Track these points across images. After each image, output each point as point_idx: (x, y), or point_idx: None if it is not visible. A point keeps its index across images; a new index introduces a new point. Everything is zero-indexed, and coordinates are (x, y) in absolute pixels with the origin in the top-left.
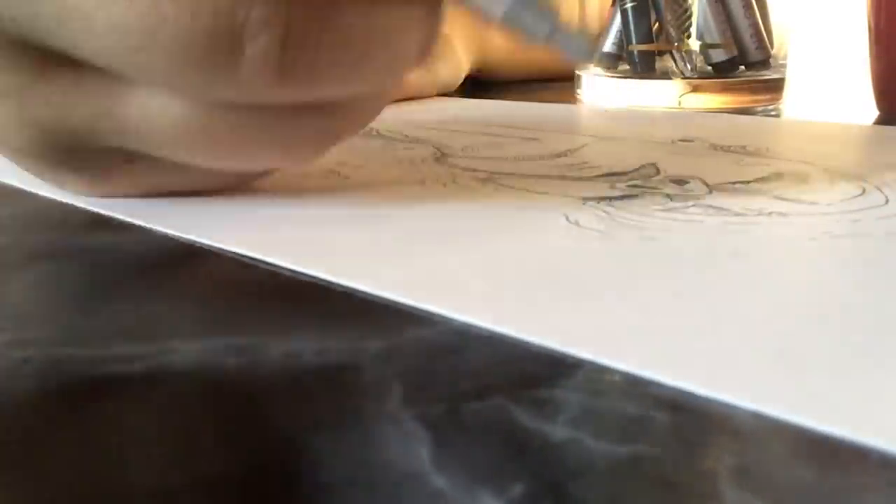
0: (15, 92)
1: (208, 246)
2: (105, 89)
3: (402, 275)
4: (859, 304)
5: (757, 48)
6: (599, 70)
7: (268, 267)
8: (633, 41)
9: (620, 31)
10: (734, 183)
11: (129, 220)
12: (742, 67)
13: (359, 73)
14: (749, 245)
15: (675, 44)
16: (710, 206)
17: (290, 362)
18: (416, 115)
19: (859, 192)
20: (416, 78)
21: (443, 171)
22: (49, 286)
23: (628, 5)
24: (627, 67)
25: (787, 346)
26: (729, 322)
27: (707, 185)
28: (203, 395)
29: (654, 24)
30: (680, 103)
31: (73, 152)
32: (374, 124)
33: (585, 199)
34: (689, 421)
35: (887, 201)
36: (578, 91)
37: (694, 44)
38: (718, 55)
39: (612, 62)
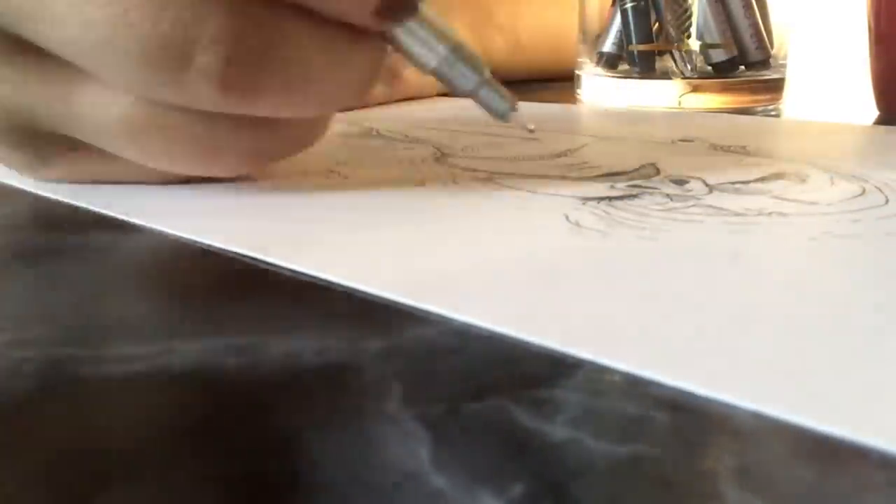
0: None
1: (208, 246)
2: (63, 79)
3: (402, 275)
4: (859, 304)
5: (757, 48)
6: (599, 70)
7: (268, 267)
8: (633, 41)
9: (620, 31)
10: (734, 183)
11: (129, 220)
12: (742, 67)
13: (297, 98)
14: (749, 245)
15: (675, 44)
16: (710, 206)
17: (290, 362)
18: (416, 115)
19: (859, 192)
20: (416, 78)
21: (443, 171)
22: (49, 286)
23: (628, 5)
24: (627, 67)
25: (787, 346)
26: (729, 322)
27: (707, 185)
28: (203, 395)
29: (654, 24)
30: (680, 103)
31: (21, 131)
32: (375, 124)
33: (585, 199)
34: (689, 421)
35: (887, 201)
36: (578, 91)
37: (694, 44)
38: (718, 55)
39: (612, 62)
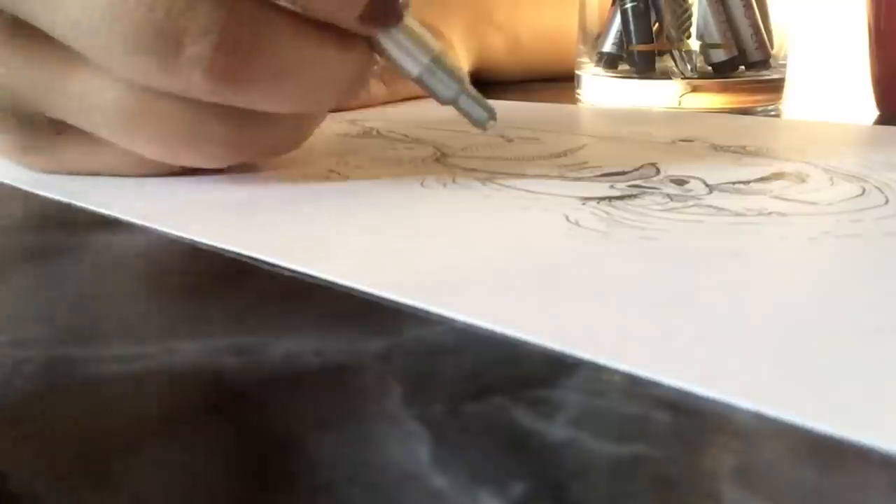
0: None
1: (208, 246)
2: (59, 62)
3: (403, 275)
4: (859, 304)
5: (757, 48)
6: (599, 70)
7: (268, 267)
8: (633, 41)
9: (620, 31)
10: (734, 183)
11: (129, 219)
12: (742, 67)
13: (282, 92)
14: (749, 245)
15: (675, 44)
16: (710, 206)
17: (290, 362)
18: (416, 115)
19: (859, 192)
20: None
21: (443, 171)
22: (49, 286)
23: (628, 5)
24: (627, 67)
25: (787, 346)
26: (729, 322)
27: (707, 185)
28: (203, 395)
29: (654, 24)
30: (680, 103)
31: (10, 112)
32: (375, 124)
33: (585, 199)
34: (689, 421)
35: (887, 201)
36: (578, 91)
37: (694, 44)
38: (718, 55)
39: (612, 62)
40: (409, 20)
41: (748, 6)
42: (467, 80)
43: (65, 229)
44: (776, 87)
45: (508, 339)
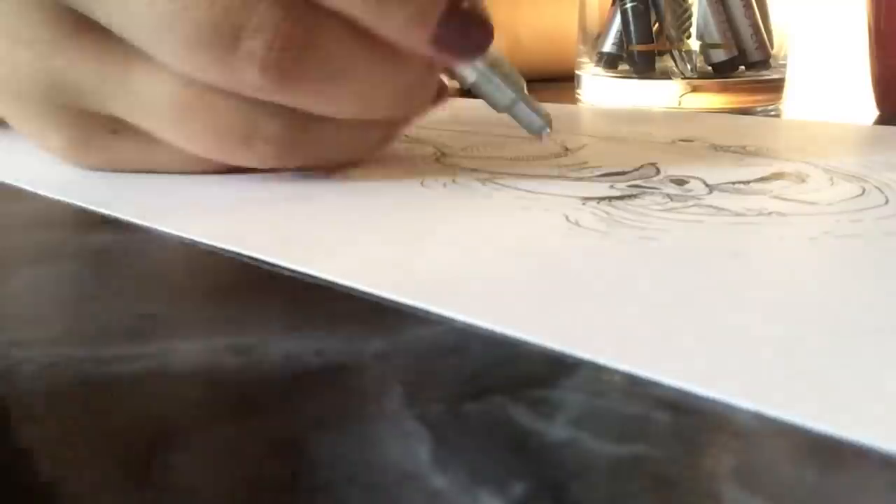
0: (41, 43)
1: (208, 246)
2: (120, 57)
3: (402, 275)
4: (859, 304)
5: (757, 48)
6: (599, 70)
7: (268, 267)
8: (633, 41)
9: (620, 31)
10: (734, 183)
11: (129, 219)
12: (742, 67)
13: (335, 94)
14: (749, 245)
15: (675, 44)
16: (710, 206)
17: (290, 362)
18: None
19: (859, 192)
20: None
21: (443, 171)
22: (49, 286)
23: (628, 5)
24: (627, 67)
25: (787, 346)
26: (729, 322)
27: (707, 185)
28: (203, 395)
29: (654, 24)
30: (680, 103)
31: (67, 110)
32: None
33: (585, 199)
34: (689, 421)
35: (887, 201)
36: (578, 91)
37: (694, 44)
38: (718, 55)
39: (612, 62)
40: None
41: (748, 6)
42: (524, 86)
43: (65, 229)
44: (776, 87)
45: (508, 339)
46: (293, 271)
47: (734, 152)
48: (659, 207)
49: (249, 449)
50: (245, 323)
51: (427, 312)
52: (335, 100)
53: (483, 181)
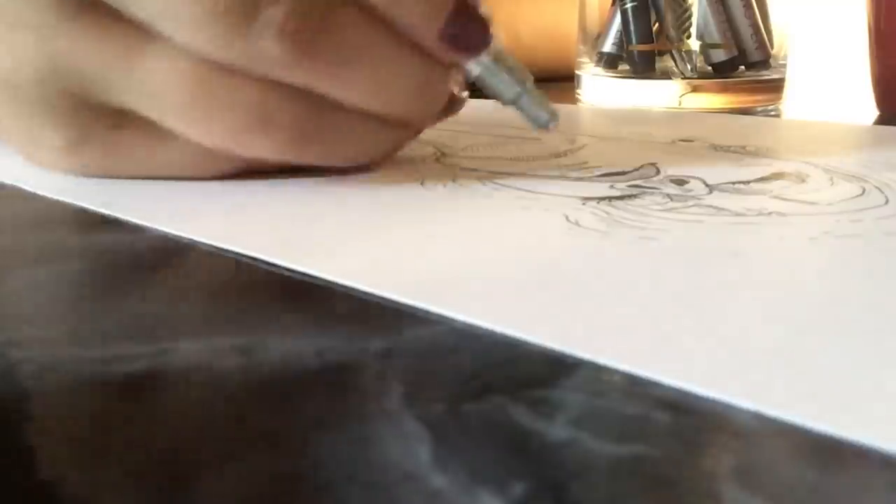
0: (43, 26)
1: (208, 245)
2: (128, 40)
3: (402, 275)
4: (859, 305)
5: (757, 48)
6: (599, 70)
7: (267, 267)
8: (633, 41)
9: (620, 31)
10: (734, 183)
11: (129, 219)
12: (742, 67)
13: (349, 77)
14: (749, 245)
15: (675, 44)
16: (710, 206)
17: (290, 362)
18: None
19: (859, 192)
20: None
21: (443, 171)
22: (49, 286)
23: (628, 5)
24: (627, 67)
25: (787, 346)
26: (729, 322)
27: (707, 185)
28: (203, 395)
29: (654, 24)
30: (680, 103)
31: (64, 102)
32: None
33: (585, 199)
34: (689, 421)
35: (887, 201)
36: (578, 91)
37: (694, 44)
38: (718, 55)
39: (612, 62)
40: None
41: (748, 6)
42: (531, 79)
43: (65, 229)
44: (776, 87)
45: (508, 339)
46: (293, 271)
47: (734, 152)
48: (659, 207)
49: (249, 449)
50: (245, 323)
51: (427, 312)
52: (349, 83)
53: (483, 181)
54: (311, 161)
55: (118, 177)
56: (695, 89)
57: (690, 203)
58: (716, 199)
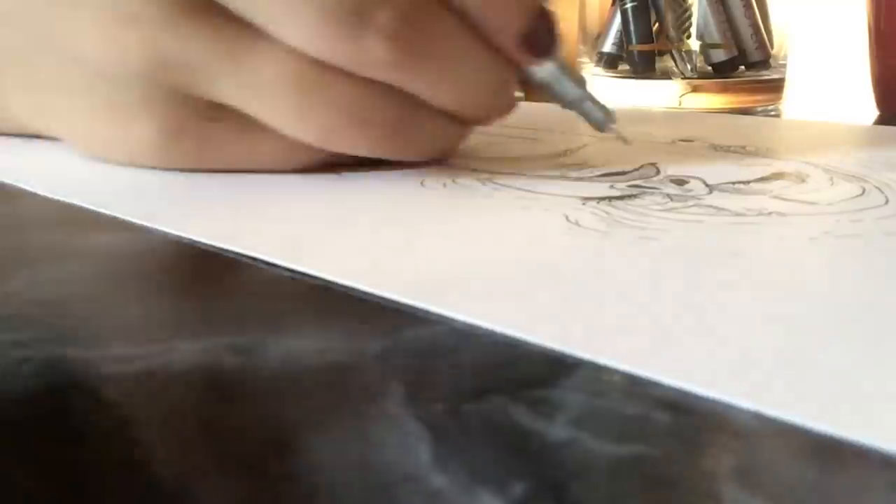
0: (151, 20)
1: (208, 245)
2: (239, 37)
3: (403, 275)
4: (859, 305)
5: (757, 48)
6: (599, 70)
7: (267, 267)
8: (633, 41)
9: (620, 31)
10: (734, 183)
11: (129, 220)
12: (742, 67)
13: (445, 81)
14: (749, 245)
15: (675, 44)
16: (710, 206)
17: (290, 362)
18: None
19: (859, 192)
20: None
21: (443, 171)
22: (49, 286)
23: (628, 5)
24: (627, 67)
25: (787, 346)
26: (729, 322)
27: (707, 185)
28: (203, 395)
29: (654, 24)
30: (680, 103)
31: (163, 93)
32: None
33: (585, 199)
34: (689, 421)
35: (887, 201)
36: None
37: (694, 44)
38: (718, 55)
39: (612, 62)
40: None
41: (748, 6)
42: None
43: (65, 229)
44: (776, 87)
45: (508, 339)
46: (293, 271)
47: (734, 152)
48: (659, 207)
49: (249, 449)
50: (245, 323)
51: (427, 312)
52: (439, 83)
53: (483, 181)
54: (395, 156)
55: (204, 170)
56: (695, 89)
57: (690, 203)
58: (716, 199)
